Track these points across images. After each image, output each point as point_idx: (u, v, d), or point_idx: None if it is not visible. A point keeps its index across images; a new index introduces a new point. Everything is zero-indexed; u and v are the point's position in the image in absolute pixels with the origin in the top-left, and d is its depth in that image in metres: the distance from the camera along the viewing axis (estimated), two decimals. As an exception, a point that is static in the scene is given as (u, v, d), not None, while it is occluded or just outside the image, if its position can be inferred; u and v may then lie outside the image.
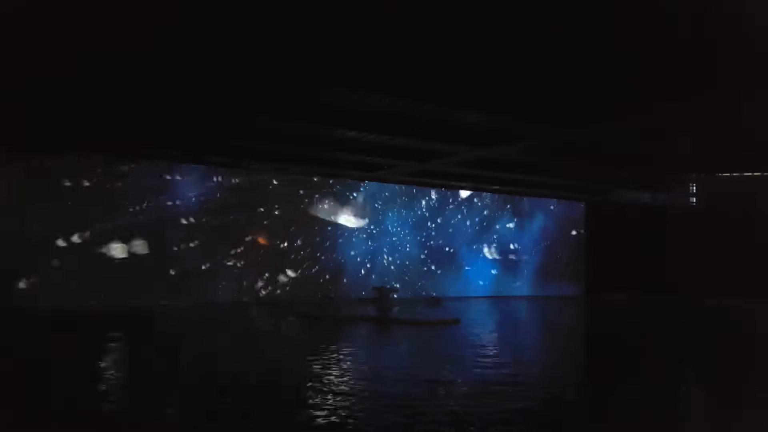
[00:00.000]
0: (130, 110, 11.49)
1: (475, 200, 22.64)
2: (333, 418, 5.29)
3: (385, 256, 20.43)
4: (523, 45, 7.98)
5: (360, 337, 11.44)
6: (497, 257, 22.88)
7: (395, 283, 19.60)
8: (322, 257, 19.25)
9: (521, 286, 23.56)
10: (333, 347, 9.70)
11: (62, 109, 11.34)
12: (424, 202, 21.45)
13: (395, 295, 15.81)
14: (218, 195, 17.53)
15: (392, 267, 20.51)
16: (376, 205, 20.42)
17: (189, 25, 7.60)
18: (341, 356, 8.95)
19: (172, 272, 16.62)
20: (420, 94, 9.86)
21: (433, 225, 21.57)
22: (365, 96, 10.31)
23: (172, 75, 9.46)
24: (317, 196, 19.31)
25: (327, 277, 19.22)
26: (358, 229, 19.92)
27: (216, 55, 8.39)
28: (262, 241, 18.35)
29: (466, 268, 22.22)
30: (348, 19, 7.42)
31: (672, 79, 9.14)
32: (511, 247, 23.42)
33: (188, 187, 17.16)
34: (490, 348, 10.19)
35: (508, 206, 23.47)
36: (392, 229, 20.61)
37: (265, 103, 10.81)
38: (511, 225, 23.52)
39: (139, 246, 16.20)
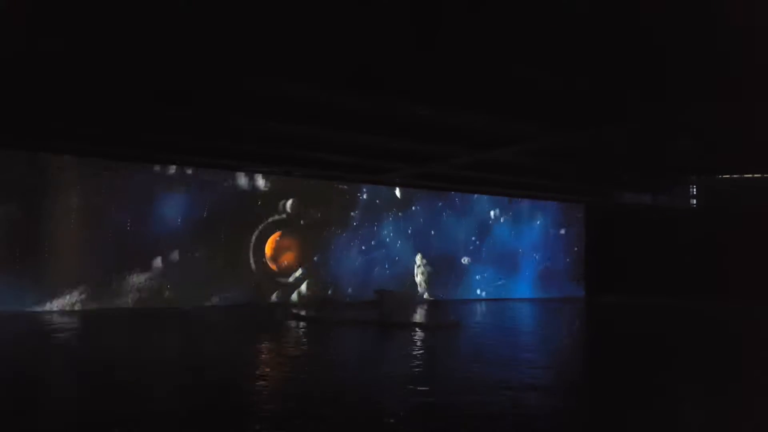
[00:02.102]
0: (126, 112, 11.42)
1: (474, 200, 22.54)
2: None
3: (385, 259, 20.28)
4: (525, 50, 7.93)
5: (364, 341, 11.34)
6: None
7: (394, 286, 19.46)
8: (319, 258, 19.13)
9: (518, 289, 23.39)
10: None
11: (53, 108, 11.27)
12: (421, 205, 21.31)
13: (392, 298, 15.69)
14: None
15: (391, 270, 20.35)
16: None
17: (189, 26, 7.54)
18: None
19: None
20: (419, 95, 9.78)
21: (432, 227, 21.39)
22: (363, 98, 10.23)
23: (171, 75, 9.40)
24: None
25: (327, 278, 19.11)
26: (356, 231, 19.78)
27: (215, 58, 8.34)
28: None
29: (463, 270, 22.10)
30: (349, 21, 7.36)
31: (674, 82, 9.10)
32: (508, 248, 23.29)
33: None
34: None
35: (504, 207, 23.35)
36: (391, 232, 20.43)
37: (264, 106, 10.76)
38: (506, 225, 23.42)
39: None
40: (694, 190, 22.78)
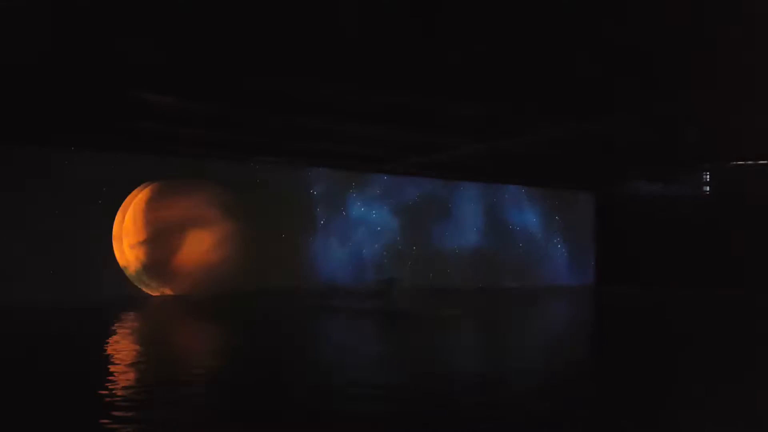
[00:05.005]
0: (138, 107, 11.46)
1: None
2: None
3: (390, 247, 20.16)
4: (529, 34, 7.82)
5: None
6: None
7: (399, 274, 19.35)
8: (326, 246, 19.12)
9: (525, 276, 22.98)
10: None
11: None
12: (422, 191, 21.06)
13: (400, 287, 15.56)
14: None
15: (397, 258, 20.20)
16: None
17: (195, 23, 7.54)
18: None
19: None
20: (425, 86, 9.71)
21: (435, 214, 21.12)
22: (370, 90, 10.18)
23: (180, 71, 9.42)
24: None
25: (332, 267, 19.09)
26: (363, 218, 19.70)
27: (223, 53, 8.35)
28: None
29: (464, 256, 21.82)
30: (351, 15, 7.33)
31: (681, 68, 8.96)
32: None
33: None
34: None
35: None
36: (396, 219, 20.28)
37: (269, 99, 10.75)
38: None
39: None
40: (707, 177, 22.42)
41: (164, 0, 6.96)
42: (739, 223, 20.42)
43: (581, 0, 6.99)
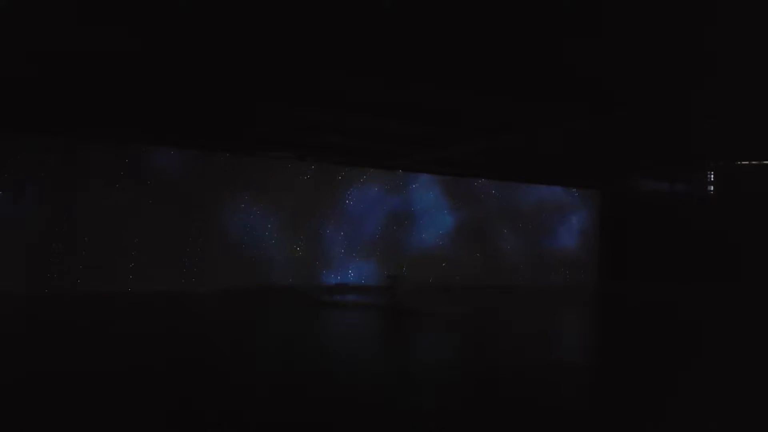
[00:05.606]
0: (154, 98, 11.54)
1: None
2: None
3: (395, 242, 20.10)
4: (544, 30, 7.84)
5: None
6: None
7: (404, 270, 19.36)
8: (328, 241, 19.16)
9: (522, 273, 22.66)
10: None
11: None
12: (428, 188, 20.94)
13: (407, 283, 15.61)
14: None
15: (401, 253, 20.16)
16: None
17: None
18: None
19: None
20: (433, 79, 9.73)
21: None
22: (378, 82, 10.20)
23: (187, 68, 9.49)
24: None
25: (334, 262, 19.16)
26: (364, 211, 19.66)
27: (231, 47, 8.39)
28: None
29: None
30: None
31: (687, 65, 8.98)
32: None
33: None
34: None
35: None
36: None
37: (277, 91, 10.80)
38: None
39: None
40: (712, 176, 22.45)
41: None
42: (745, 221, 20.45)
43: None
